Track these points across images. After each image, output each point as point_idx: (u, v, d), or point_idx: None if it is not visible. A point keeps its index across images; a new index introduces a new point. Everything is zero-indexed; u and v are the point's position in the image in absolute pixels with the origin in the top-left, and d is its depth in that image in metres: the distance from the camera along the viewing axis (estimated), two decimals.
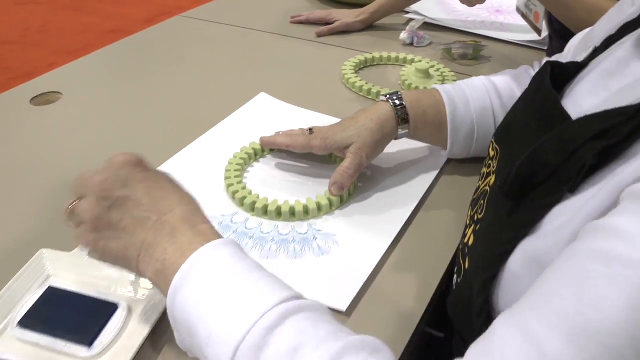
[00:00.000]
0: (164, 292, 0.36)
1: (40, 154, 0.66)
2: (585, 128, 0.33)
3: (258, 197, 0.57)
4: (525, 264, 0.34)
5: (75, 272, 0.46)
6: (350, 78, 0.81)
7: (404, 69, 0.84)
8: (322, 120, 0.70)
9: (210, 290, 0.34)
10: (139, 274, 0.38)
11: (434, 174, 0.63)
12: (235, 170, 0.61)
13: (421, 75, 0.81)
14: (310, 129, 0.61)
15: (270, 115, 0.74)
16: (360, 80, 0.80)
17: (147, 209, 0.38)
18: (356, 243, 0.52)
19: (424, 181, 0.62)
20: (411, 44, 0.95)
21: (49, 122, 0.72)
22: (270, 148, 0.65)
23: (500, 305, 0.37)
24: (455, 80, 0.77)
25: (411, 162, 0.65)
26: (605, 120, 0.32)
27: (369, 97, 0.79)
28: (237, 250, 0.37)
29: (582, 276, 0.26)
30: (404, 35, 0.95)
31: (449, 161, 0.65)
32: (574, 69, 0.43)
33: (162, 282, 0.36)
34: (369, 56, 0.88)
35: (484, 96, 0.61)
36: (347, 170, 0.56)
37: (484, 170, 0.48)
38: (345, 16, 1.01)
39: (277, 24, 1.03)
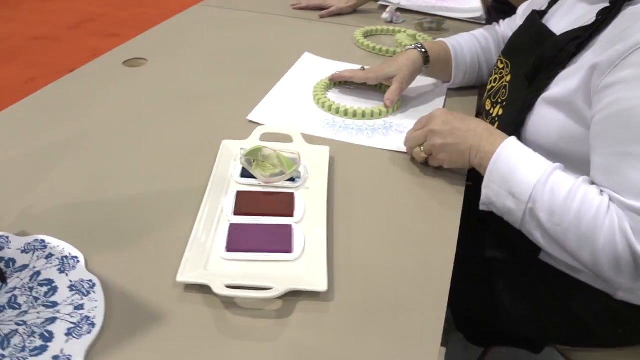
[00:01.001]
0: (484, 170, 0.64)
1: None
2: (567, 36, 0.67)
3: (340, 104, 0.86)
4: (544, 107, 0.67)
5: None
6: (364, 42, 1.12)
7: (397, 35, 1.17)
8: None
9: (515, 159, 0.62)
10: (470, 165, 0.67)
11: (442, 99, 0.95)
12: (320, 92, 0.90)
13: (410, 40, 1.14)
14: (363, 67, 0.91)
15: (317, 68, 1.02)
16: (371, 43, 1.12)
17: (466, 129, 0.67)
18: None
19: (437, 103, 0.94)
20: (391, 22, 1.28)
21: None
22: (335, 82, 0.94)
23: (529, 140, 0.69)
24: (421, 34, 1.15)
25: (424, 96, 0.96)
26: (577, 31, 0.66)
27: (380, 54, 1.10)
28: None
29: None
30: (385, 15, 1.28)
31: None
32: (543, 13, 0.78)
33: (484, 164, 0.64)
34: (368, 28, 1.20)
35: (472, 44, 0.95)
36: (395, 91, 0.86)
37: (495, 76, 0.81)
38: (338, 2, 1.31)
39: (283, 9, 1.31)
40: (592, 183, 0.60)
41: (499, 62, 0.82)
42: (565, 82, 0.65)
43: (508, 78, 0.77)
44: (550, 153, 0.65)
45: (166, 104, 0.85)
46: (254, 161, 0.68)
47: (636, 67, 0.56)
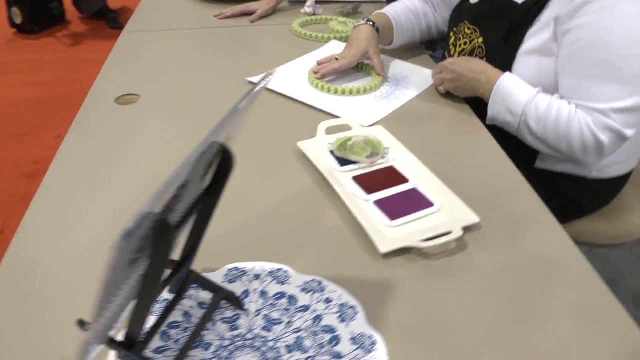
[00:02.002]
0: (488, 97, 0.88)
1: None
2: (529, 2, 0.90)
3: (338, 86, 1.01)
4: (524, 57, 0.90)
5: None
6: (302, 31, 1.27)
7: (330, 23, 1.33)
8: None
9: (510, 87, 0.85)
10: (476, 94, 0.93)
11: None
12: (314, 78, 1.04)
13: (342, 25, 1.30)
14: (336, 58, 1.05)
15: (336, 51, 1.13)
16: (310, 32, 1.26)
17: (470, 70, 0.92)
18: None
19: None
20: (313, 14, 1.42)
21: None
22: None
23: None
24: (350, 20, 1.33)
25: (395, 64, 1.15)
26: None
27: (317, 40, 1.25)
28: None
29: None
30: (308, 9, 1.41)
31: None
32: None
33: (487, 94, 0.89)
34: (302, 19, 1.34)
35: (406, 12, 1.15)
36: (380, 63, 1.05)
37: (465, 40, 1.02)
38: (260, 6, 1.40)
39: (208, 21, 1.36)
40: (562, 98, 0.86)
41: (466, 28, 1.03)
42: (537, 36, 0.89)
43: (480, 40, 0.99)
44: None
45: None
46: (345, 150, 0.79)
47: (589, 16, 0.82)
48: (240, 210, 0.70)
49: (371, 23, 1.09)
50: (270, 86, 1.00)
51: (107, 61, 1.14)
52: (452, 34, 1.09)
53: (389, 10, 1.14)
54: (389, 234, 0.66)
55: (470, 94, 0.95)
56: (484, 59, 0.97)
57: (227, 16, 1.39)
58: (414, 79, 1.07)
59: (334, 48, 1.20)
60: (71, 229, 0.67)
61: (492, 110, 0.91)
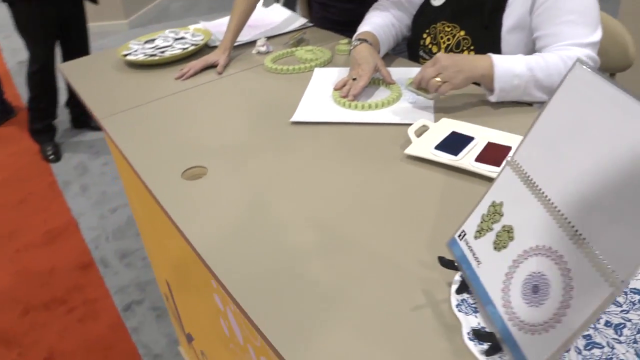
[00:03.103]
0: (489, 77, 1.01)
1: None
2: None
3: (364, 102, 1.13)
4: (509, 35, 1.14)
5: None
6: (279, 67, 1.35)
7: (296, 53, 1.43)
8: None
9: (505, 59, 1.02)
10: (474, 79, 1.03)
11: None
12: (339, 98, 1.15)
13: (310, 53, 1.41)
14: (354, 78, 1.17)
15: (330, 76, 1.26)
16: (284, 66, 1.35)
17: (464, 58, 1.02)
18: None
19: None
20: (267, 52, 1.49)
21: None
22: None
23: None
24: (320, 49, 1.43)
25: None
26: None
27: (294, 72, 1.34)
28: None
29: None
30: (261, 49, 1.48)
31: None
32: None
33: (487, 73, 1.01)
34: (272, 56, 1.42)
35: (384, 25, 1.32)
36: (389, 73, 1.19)
37: (448, 36, 1.23)
38: (218, 56, 1.42)
39: (178, 85, 1.35)
40: (544, 49, 1.08)
41: (445, 27, 1.23)
42: (513, 15, 1.12)
43: (462, 33, 1.21)
44: None
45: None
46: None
47: None
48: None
49: (364, 41, 1.22)
50: (310, 119, 1.08)
51: None
52: (425, 35, 1.29)
53: (370, 27, 1.29)
54: None
55: (467, 83, 1.04)
56: (472, 47, 1.19)
57: (190, 75, 1.38)
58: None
59: (323, 74, 1.31)
60: None
61: (499, 84, 1.02)
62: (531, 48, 1.15)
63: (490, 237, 0.59)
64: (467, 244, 0.62)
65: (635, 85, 2.07)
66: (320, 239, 0.77)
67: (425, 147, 0.94)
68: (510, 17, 1.13)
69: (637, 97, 0.45)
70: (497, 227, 0.58)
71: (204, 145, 1.04)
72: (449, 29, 1.23)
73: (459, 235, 0.63)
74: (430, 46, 1.29)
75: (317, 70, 1.34)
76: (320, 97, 1.19)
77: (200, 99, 1.25)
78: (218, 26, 1.70)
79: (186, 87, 1.32)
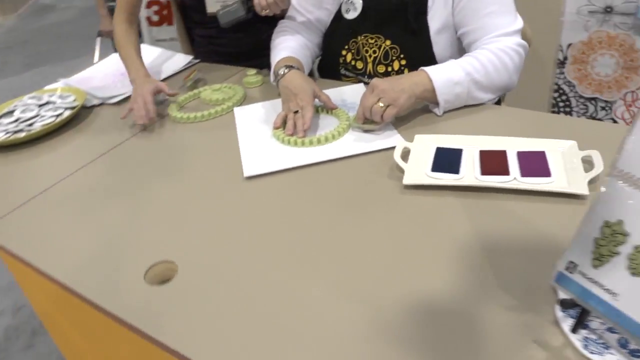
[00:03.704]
0: (430, 91, 0.96)
1: None
2: None
3: (305, 138, 0.99)
4: (438, 36, 1.09)
5: None
6: (185, 116, 1.15)
7: (202, 94, 1.23)
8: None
9: (439, 70, 0.96)
10: (417, 99, 0.97)
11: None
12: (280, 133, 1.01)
13: (217, 93, 1.23)
14: (296, 111, 1.03)
15: (257, 114, 1.10)
16: (190, 114, 1.15)
17: (400, 80, 0.95)
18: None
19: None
20: (162, 100, 1.26)
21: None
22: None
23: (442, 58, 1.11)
24: (228, 86, 1.26)
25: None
26: None
27: (203, 119, 1.15)
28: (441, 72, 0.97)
29: None
30: (156, 98, 1.25)
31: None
32: None
33: (428, 88, 0.96)
34: (175, 104, 1.21)
35: (301, 50, 1.19)
36: (328, 98, 1.06)
37: (373, 49, 1.14)
38: (150, 82, 1.19)
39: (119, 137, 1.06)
40: (473, 43, 1.05)
41: (368, 39, 1.15)
42: (437, 16, 1.08)
43: (388, 43, 1.13)
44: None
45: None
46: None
47: None
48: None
49: (292, 67, 1.09)
50: (265, 169, 0.91)
51: None
52: (344, 52, 1.20)
53: (288, 51, 1.15)
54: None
55: (411, 102, 0.97)
56: (401, 55, 1.13)
57: (151, 117, 1.14)
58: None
59: (246, 114, 1.14)
60: None
61: (442, 96, 0.97)
62: (458, 46, 1.12)
63: (619, 262, 0.50)
64: (584, 276, 0.52)
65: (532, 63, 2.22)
66: (350, 316, 0.61)
67: (419, 171, 0.84)
68: (435, 19, 1.09)
69: None
70: (625, 249, 0.50)
71: (150, 234, 0.81)
72: (372, 41, 1.15)
73: (567, 268, 0.54)
74: (353, 62, 1.20)
75: (237, 110, 1.16)
76: (260, 140, 1.02)
77: (113, 171, 0.99)
78: (86, 81, 1.42)
79: (86, 162, 1.04)
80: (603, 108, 2.08)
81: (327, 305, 0.64)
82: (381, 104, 0.94)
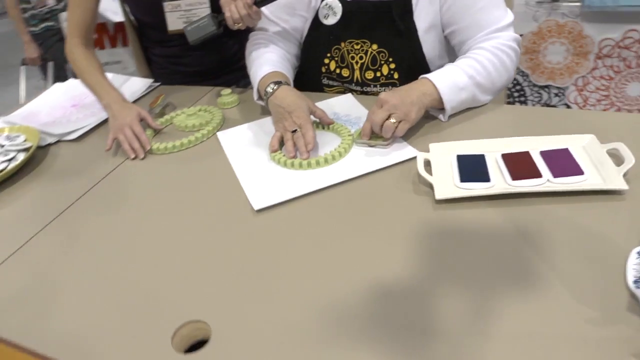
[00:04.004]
0: (437, 100, 0.92)
1: None
2: None
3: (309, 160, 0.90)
4: (426, 35, 1.04)
5: None
6: (163, 147, 1.02)
7: (176, 120, 1.12)
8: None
9: (443, 76, 0.92)
10: (426, 108, 0.92)
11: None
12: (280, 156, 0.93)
13: (193, 117, 1.12)
14: (294, 130, 0.95)
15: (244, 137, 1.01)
16: (168, 143, 1.03)
17: (408, 92, 0.90)
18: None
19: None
20: None
21: None
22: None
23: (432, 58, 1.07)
24: (204, 108, 1.16)
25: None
26: None
27: (184, 148, 1.03)
28: None
29: None
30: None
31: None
32: None
33: (436, 97, 0.91)
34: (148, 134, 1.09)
35: (282, 63, 1.11)
36: (324, 112, 0.99)
37: (360, 54, 1.08)
38: (135, 120, 1.06)
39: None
40: (466, 41, 1.01)
41: (353, 45, 1.09)
42: (423, 14, 1.03)
43: (375, 47, 1.08)
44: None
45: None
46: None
47: None
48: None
49: (282, 83, 1.00)
50: (276, 199, 0.82)
51: None
52: (326, 60, 1.13)
53: (271, 65, 1.06)
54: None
55: (421, 114, 0.92)
56: (390, 59, 1.08)
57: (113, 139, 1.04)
58: (359, 110, 1.07)
59: (231, 139, 1.04)
60: None
61: (449, 103, 0.93)
62: (446, 44, 1.09)
63: None
64: None
65: None
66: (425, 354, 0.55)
67: (448, 183, 0.79)
68: (421, 18, 1.04)
69: None
70: None
71: (170, 290, 0.70)
72: (358, 46, 1.09)
73: None
74: (338, 71, 1.13)
75: (221, 135, 1.06)
76: (258, 166, 0.92)
77: (97, 216, 0.86)
78: (31, 118, 1.26)
79: (61, 209, 0.90)
80: (556, 94, 2.15)
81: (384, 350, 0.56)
82: (393, 120, 0.87)
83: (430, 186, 0.79)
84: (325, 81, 1.17)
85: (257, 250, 0.73)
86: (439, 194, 0.76)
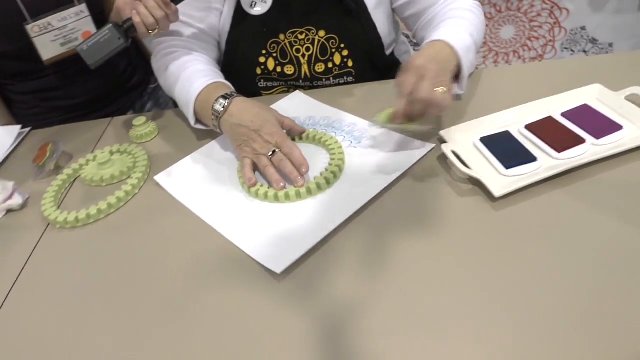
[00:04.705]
0: (457, 64, 0.73)
1: None
2: None
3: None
4: (376, 12, 0.89)
5: None
6: (88, 214, 0.74)
7: (83, 177, 0.84)
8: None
9: (463, 44, 0.75)
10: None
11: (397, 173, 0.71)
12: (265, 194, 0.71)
13: (107, 166, 0.84)
14: (272, 152, 0.73)
15: (196, 176, 0.72)
16: (79, 212, 0.75)
17: (435, 52, 0.72)
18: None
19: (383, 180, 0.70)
20: (23, 203, 0.82)
21: None
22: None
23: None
24: (108, 150, 0.88)
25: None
26: None
27: (113, 209, 0.77)
28: None
29: None
30: (14, 202, 0.80)
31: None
32: None
33: (455, 61, 0.73)
34: (48, 198, 0.80)
35: (217, 69, 0.89)
36: (293, 122, 0.79)
37: (307, 45, 0.89)
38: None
39: None
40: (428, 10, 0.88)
41: (296, 35, 0.89)
42: None
43: (322, 33, 0.90)
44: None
45: None
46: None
47: None
48: None
49: (233, 93, 0.79)
50: (297, 251, 0.61)
51: None
52: (262, 58, 0.92)
53: (205, 77, 0.83)
54: None
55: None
56: (342, 45, 0.91)
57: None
58: (322, 108, 0.88)
59: (179, 181, 0.80)
60: None
61: (466, 65, 0.75)
62: (392, 20, 0.95)
63: None
64: None
65: None
66: None
67: (493, 175, 0.66)
68: None
69: None
70: None
71: None
72: (303, 36, 0.90)
73: None
74: (279, 69, 0.93)
75: (162, 180, 0.80)
76: (240, 212, 0.70)
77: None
78: None
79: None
80: None
81: None
82: (442, 89, 0.66)
83: (472, 182, 0.66)
84: (262, 84, 0.96)
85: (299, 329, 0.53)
86: (497, 190, 0.63)
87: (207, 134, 0.87)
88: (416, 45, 0.88)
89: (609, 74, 0.82)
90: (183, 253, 0.66)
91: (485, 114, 0.77)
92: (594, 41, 2.02)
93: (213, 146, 0.85)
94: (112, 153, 0.88)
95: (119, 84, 1.07)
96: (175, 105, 1.20)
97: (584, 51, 2.05)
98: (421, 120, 0.71)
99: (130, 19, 0.77)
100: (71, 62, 0.96)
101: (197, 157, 0.83)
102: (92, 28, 0.95)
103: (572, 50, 2.06)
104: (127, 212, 0.76)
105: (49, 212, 0.77)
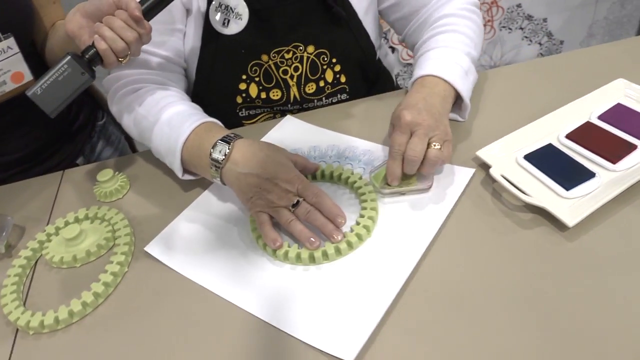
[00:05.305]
0: (452, 97, 0.68)
1: None
2: None
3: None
4: (366, 20, 0.79)
5: None
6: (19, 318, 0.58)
7: (49, 258, 0.66)
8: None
9: (456, 68, 0.72)
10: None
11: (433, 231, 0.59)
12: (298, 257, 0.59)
13: (76, 241, 0.67)
14: (294, 203, 0.60)
15: (193, 240, 0.58)
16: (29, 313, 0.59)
17: (426, 101, 0.64)
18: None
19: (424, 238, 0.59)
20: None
21: None
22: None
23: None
24: (75, 216, 0.71)
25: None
26: None
27: (110, 291, 0.61)
28: None
29: None
30: None
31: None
32: None
33: (451, 95, 0.68)
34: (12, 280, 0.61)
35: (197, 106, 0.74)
36: (304, 158, 0.67)
37: (294, 65, 0.78)
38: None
39: None
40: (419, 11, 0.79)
41: (284, 54, 0.77)
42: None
43: (311, 49, 0.78)
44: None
45: None
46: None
47: None
48: None
49: (232, 135, 0.65)
50: (361, 341, 0.50)
51: None
52: (242, 85, 0.79)
53: (190, 119, 0.68)
54: None
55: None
56: (333, 60, 0.80)
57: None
58: (325, 134, 0.77)
59: (173, 248, 0.65)
60: None
61: (466, 92, 0.69)
62: (378, 23, 0.86)
63: None
64: None
65: None
66: None
67: (554, 199, 0.59)
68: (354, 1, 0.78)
69: None
70: None
71: None
72: (289, 55, 0.78)
73: None
74: (263, 95, 0.80)
75: (155, 251, 0.65)
76: (270, 283, 0.58)
77: None
78: None
79: None
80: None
81: None
82: (437, 145, 0.61)
83: (529, 209, 0.59)
84: (243, 113, 0.83)
85: None
86: (569, 219, 0.56)
87: (193, 183, 0.73)
88: (406, 48, 0.80)
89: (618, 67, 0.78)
90: (210, 345, 0.53)
91: (503, 124, 0.70)
92: (529, 17, 2.05)
93: (207, 198, 0.71)
94: (79, 221, 0.72)
95: (63, 128, 0.89)
96: (129, 141, 1.05)
97: (521, 28, 2.08)
98: (416, 179, 0.64)
99: (92, 46, 0.61)
100: (3, 112, 0.78)
101: (191, 214, 0.69)
102: (23, 68, 0.77)
103: (510, 29, 2.07)
104: (119, 298, 0.61)
105: (15, 315, 0.60)
